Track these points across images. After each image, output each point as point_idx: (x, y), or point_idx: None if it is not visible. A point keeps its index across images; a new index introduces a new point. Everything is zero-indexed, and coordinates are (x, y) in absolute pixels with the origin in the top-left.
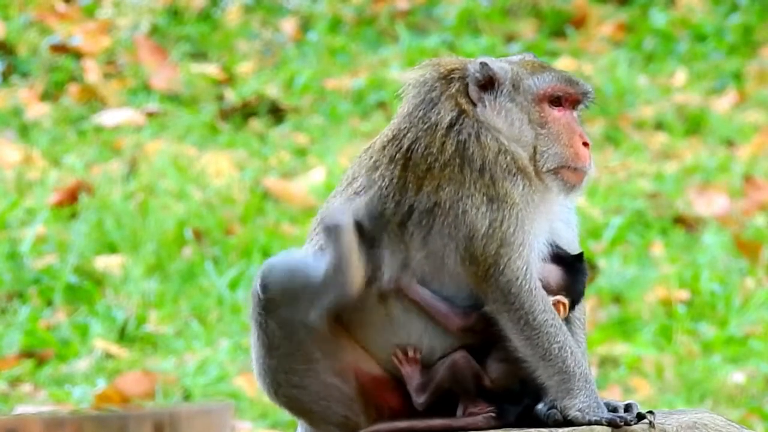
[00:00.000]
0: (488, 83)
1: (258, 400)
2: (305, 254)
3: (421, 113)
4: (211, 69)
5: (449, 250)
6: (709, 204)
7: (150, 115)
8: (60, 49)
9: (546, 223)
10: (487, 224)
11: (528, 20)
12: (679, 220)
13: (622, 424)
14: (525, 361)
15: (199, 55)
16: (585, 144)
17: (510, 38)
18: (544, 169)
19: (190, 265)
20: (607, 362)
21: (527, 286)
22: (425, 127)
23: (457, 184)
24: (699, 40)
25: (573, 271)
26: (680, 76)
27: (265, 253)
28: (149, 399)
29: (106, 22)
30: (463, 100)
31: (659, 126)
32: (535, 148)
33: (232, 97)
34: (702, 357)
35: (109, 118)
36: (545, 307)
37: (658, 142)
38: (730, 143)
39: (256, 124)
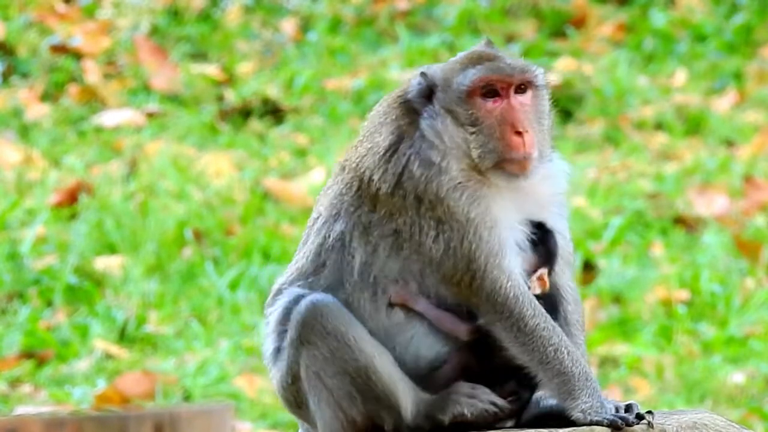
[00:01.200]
0: (431, 92)
1: (258, 401)
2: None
3: (369, 132)
4: (211, 69)
5: (425, 273)
6: (709, 204)
7: (150, 115)
8: (60, 49)
9: (516, 216)
10: (443, 247)
11: (528, 20)
12: (679, 221)
13: (624, 425)
14: (525, 367)
15: (199, 56)
16: (518, 132)
17: (510, 38)
18: (484, 168)
19: (190, 266)
20: (607, 362)
21: (512, 294)
22: (369, 146)
23: (405, 214)
24: (699, 40)
25: (541, 243)
26: (680, 76)
27: (266, 254)
28: (149, 399)
29: (106, 23)
30: (404, 122)
31: (659, 126)
32: (471, 149)
33: (232, 97)
34: (702, 357)
35: (109, 118)
36: (535, 311)
37: (658, 143)
38: (730, 143)
39: (256, 124)
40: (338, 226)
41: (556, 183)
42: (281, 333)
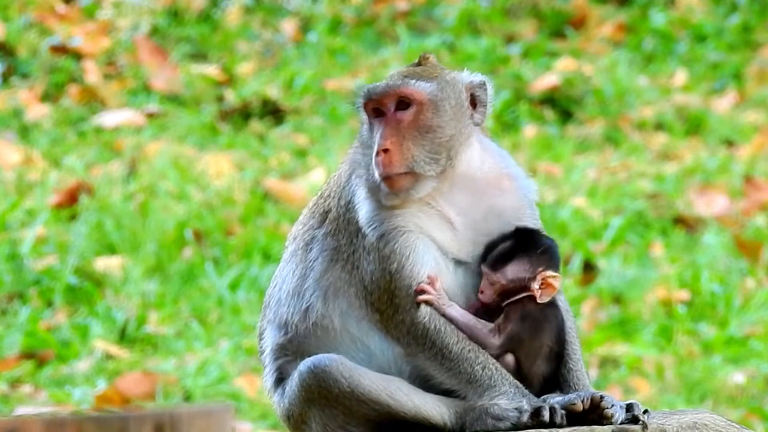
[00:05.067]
0: None
1: (258, 401)
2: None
3: (345, 157)
4: (211, 70)
5: (353, 293)
6: (709, 204)
7: (150, 116)
8: (60, 50)
9: (453, 237)
10: (369, 277)
11: (528, 20)
12: (679, 221)
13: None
14: (453, 390)
15: (199, 56)
16: (378, 152)
17: (510, 38)
18: (376, 188)
19: (191, 266)
20: (607, 362)
21: (433, 326)
22: (339, 172)
23: (348, 237)
24: (699, 40)
25: (528, 246)
26: (680, 77)
27: (266, 254)
28: (150, 400)
29: (106, 23)
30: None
31: (659, 126)
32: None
33: (232, 98)
34: (702, 357)
35: (109, 119)
36: (458, 338)
37: (658, 143)
38: (730, 143)
39: (256, 125)
40: (292, 246)
41: (518, 192)
42: (279, 367)
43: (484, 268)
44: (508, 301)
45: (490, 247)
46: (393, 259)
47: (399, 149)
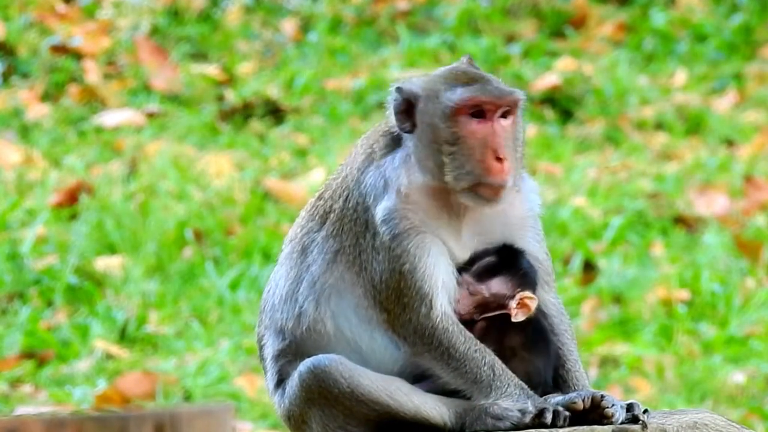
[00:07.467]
0: (409, 106)
1: (258, 401)
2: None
3: (348, 158)
4: (212, 69)
5: (361, 293)
6: (710, 204)
7: (150, 115)
8: (60, 49)
9: (460, 245)
10: (378, 277)
11: (528, 20)
12: (680, 220)
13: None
14: (459, 390)
15: (200, 56)
16: (499, 158)
17: (510, 38)
18: (459, 188)
19: (191, 266)
20: (607, 362)
21: (441, 327)
22: (344, 173)
23: (353, 237)
24: (699, 40)
25: (512, 264)
26: (680, 76)
27: (266, 254)
28: (150, 400)
29: (106, 23)
30: (378, 149)
31: (659, 126)
32: (445, 168)
33: (232, 97)
34: (702, 357)
35: (109, 118)
36: (465, 338)
37: (659, 142)
38: (730, 143)
39: (256, 124)
40: (288, 248)
41: (524, 205)
42: (280, 368)
43: (467, 277)
44: (483, 316)
45: (474, 259)
46: (405, 259)
47: (513, 160)
